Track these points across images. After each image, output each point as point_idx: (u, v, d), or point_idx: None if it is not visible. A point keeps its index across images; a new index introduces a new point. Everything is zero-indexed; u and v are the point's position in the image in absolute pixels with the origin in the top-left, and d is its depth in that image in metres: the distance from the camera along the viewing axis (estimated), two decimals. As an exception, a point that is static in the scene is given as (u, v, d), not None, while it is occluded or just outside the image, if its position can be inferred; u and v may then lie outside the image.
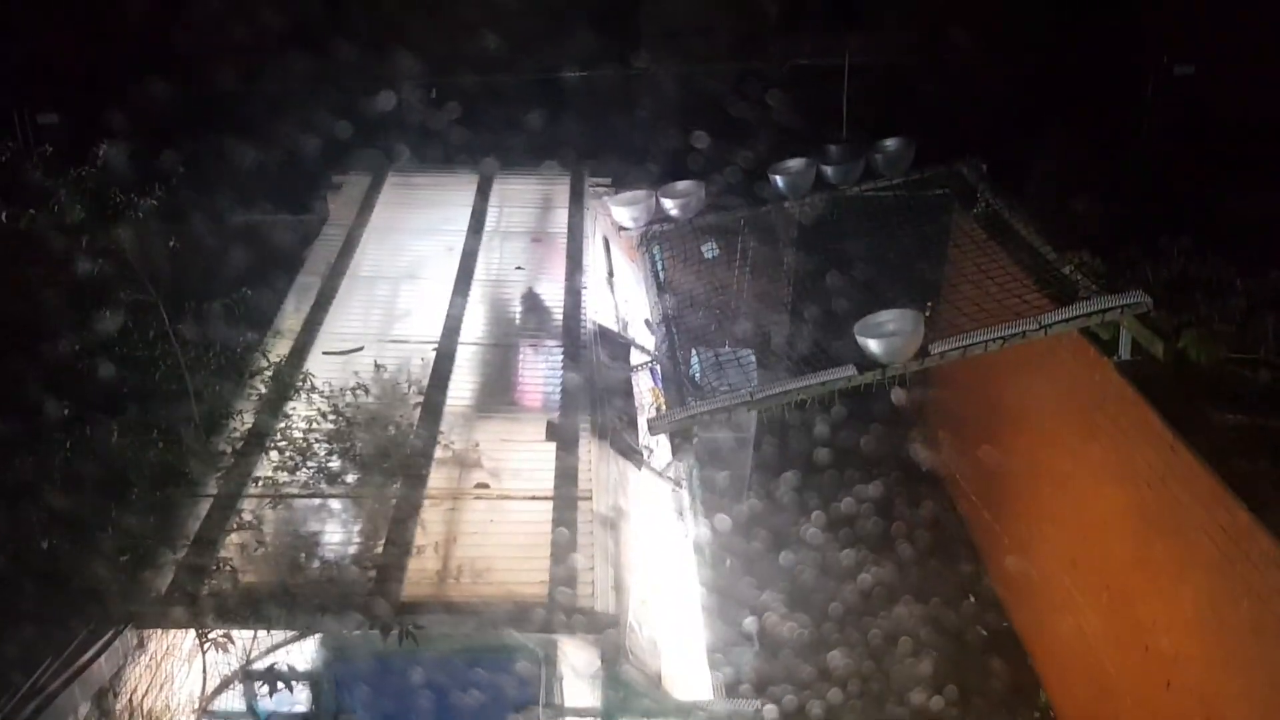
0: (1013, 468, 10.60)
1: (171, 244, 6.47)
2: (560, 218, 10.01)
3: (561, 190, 10.51)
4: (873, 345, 7.40)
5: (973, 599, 10.63)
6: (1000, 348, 7.69)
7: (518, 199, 10.39)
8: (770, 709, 8.24)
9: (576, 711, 6.17)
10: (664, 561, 7.50)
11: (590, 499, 6.50)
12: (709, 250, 10.41)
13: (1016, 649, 10.22)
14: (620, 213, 10.22)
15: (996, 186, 9.87)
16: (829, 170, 10.24)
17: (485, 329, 8.23)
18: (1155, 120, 11.04)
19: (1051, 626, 9.64)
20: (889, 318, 7.56)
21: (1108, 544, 8.50)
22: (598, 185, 10.68)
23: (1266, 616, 6.33)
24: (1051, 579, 9.58)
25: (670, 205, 10.08)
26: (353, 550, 6.04)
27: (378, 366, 7.27)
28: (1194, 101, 10.79)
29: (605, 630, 5.71)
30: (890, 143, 10.35)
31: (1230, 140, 9.95)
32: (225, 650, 6.41)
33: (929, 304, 8.23)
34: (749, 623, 9.25)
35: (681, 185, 10.17)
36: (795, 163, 10.25)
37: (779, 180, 10.20)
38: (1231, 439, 7.00)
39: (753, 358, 9.44)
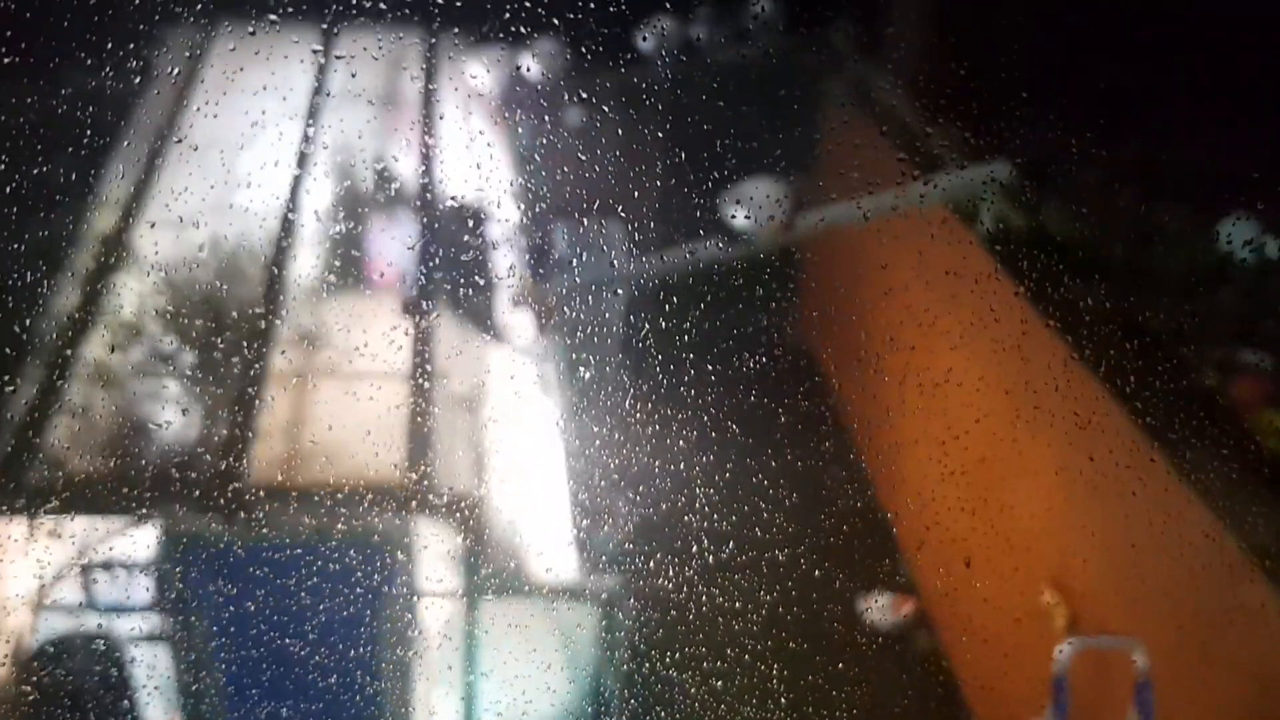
0: (879, 343, 10.74)
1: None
2: (413, 79, 9.42)
3: (414, 49, 9.87)
4: (738, 217, 7.26)
5: (840, 472, 10.86)
6: (865, 220, 7.65)
7: (365, 58, 9.71)
8: (633, 581, 8.31)
9: (436, 594, 6.06)
10: (526, 440, 7.35)
11: (448, 377, 6.28)
12: (573, 115, 10.02)
13: (879, 518, 10.53)
14: (479, 74, 9.71)
15: (869, 53, 9.70)
16: (698, 32, 9.89)
17: (332, 199, 7.75)
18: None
19: (914, 497, 9.94)
20: (754, 188, 7.42)
21: (968, 416, 8.71)
22: (454, 43, 10.07)
23: (1111, 482, 6.59)
24: (916, 451, 9.83)
25: (532, 66, 9.62)
26: (192, 434, 5.70)
27: (215, 240, 6.78)
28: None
29: (464, 511, 5.57)
30: (761, 3, 10.04)
31: (1097, 8, 9.94)
32: (59, 540, 6.07)
33: (796, 175, 8.10)
34: (613, 499, 9.25)
35: (544, 45, 9.69)
36: (665, 21, 9.86)
37: (646, 41, 9.81)
38: (1086, 312, 7.15)
39: (618, 230, 9.22)
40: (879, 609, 9.52)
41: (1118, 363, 6.61)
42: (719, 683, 8.89)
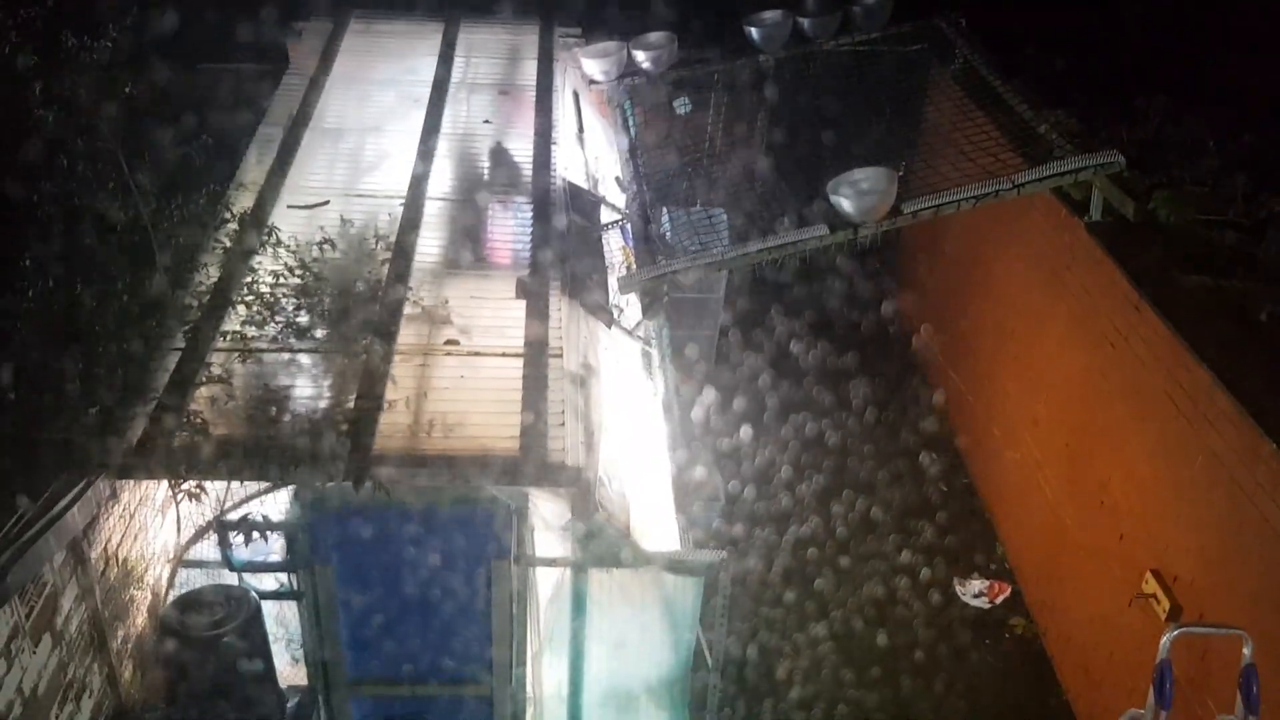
0: (980, 329, 10.72)
1: (128, 90, 6.22)
2: (528, 70, 9.71)
3: (529, 41, 10.18)
4: (845, 203, 7.35)
5: (935, 457, 10.87)
6: (973, 207, 7.67)
7: (484, 49, 10.05)
8: (733, 555, 8.46)
9: (547, 562, 6.30)
10: (633, 418, 7.56)
11: (560, 356, 6.50)
12: (681, 105, 10.21)
13: (976, 503, 10.52)
14: (590, 65, 9.96)
15: (975, 42, 9.68)
16: (805, 23, 9.99)
17: (453, 184, 8.06)
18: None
19: (1011, 483, 9.91)
20: (862, 176, 7.48)
21: (1069, 403, 8.67)
22: (567, 36, 10.35)
23: (1219, 471, 6.52)
24: (1014, 437, 9.79)
25: (642, 58, 9.84)
26: (324, 404, 6.02)
27: (344, 221, 7.13)
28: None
29: (575, 483, 5.78)
30: (869, -7, 10.09)
31: (1213, 3, 9.77)
32: (198, 501, 6.47)
33: (903, 162, 8.16)
34: (716, 478, 9.42)
35: (654, 37, 9.90)
36: (771, 14, 9.99)
37: (754, 32, 9.95)
38: (1195, 300, 7.08)
39: (724, 216, 9.37)
40: (975, 593, 9.50)
41: (1226, 350, 6.54)
42: (815, 657, 9.02)
